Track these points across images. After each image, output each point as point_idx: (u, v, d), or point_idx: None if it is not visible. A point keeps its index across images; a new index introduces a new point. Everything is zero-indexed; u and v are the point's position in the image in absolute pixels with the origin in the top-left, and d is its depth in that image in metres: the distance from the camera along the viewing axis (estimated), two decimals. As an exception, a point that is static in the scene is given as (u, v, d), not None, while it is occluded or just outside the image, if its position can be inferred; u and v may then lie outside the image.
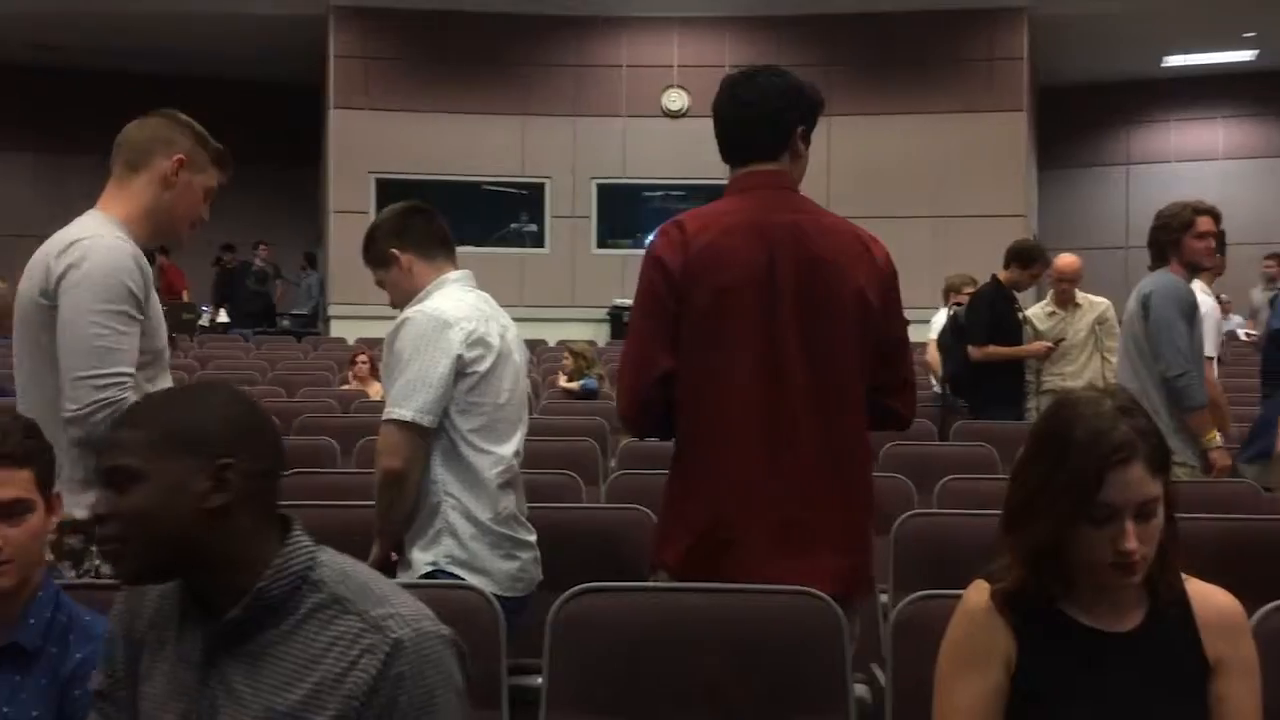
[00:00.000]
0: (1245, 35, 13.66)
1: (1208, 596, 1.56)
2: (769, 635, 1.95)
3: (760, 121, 2.18)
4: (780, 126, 2.18)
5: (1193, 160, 15.49)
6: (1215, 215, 3.86)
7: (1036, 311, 5.97)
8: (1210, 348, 4.17)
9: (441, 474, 2.44)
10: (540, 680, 1.98)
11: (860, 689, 2.31)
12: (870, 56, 12.27)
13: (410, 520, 2.49)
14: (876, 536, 2.85)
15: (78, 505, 1.98)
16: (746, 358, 2.10)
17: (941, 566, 2.42)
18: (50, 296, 2.11)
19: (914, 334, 2.58)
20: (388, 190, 11.63)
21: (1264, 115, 15.36)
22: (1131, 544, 1.44)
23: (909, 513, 2.91)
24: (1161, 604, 1.54)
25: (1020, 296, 5.96)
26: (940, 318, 6.78)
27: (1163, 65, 14.80)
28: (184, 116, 2.31)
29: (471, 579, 2.34)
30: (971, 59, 12.40)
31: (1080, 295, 5.91)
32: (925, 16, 12.19)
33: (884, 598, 2.82)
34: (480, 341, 2.46)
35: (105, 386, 2.05)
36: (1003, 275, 5.76)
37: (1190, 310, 3.73)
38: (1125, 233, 15.28)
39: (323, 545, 1.33)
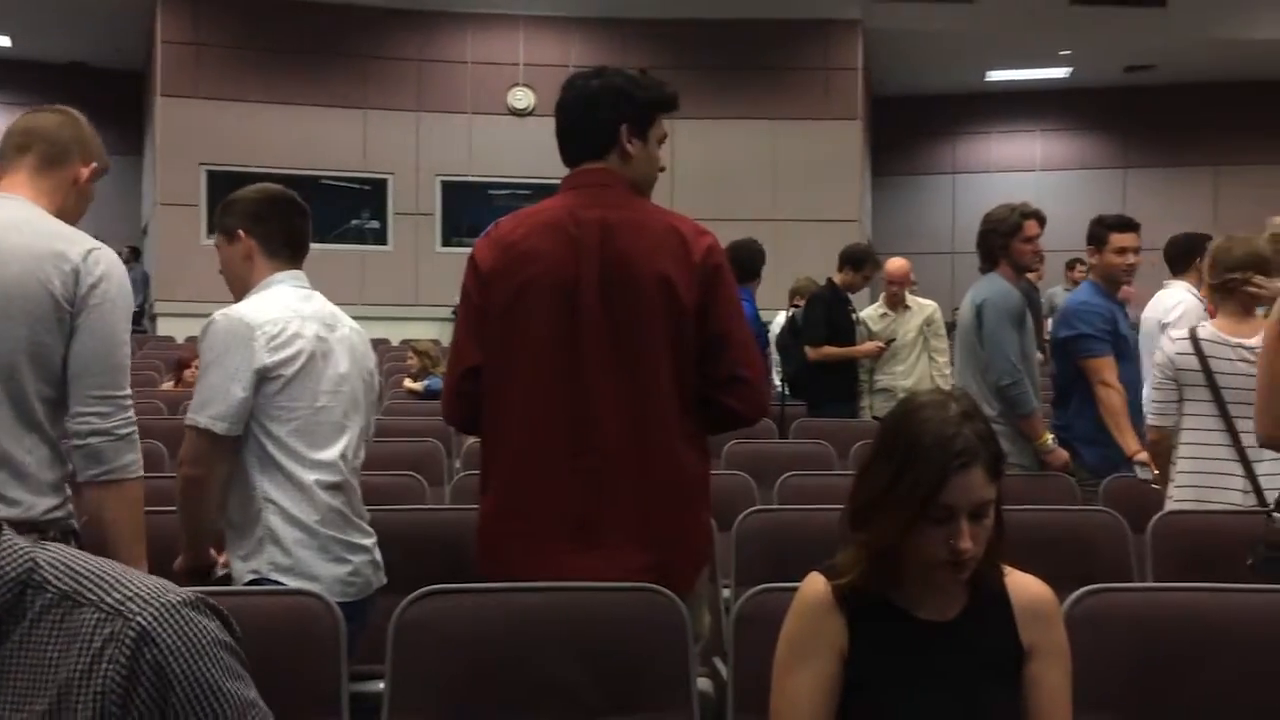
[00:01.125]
0: (1061, 54, 14.53)
1: (1023, 586, 1.65)
2: (614, 633, 1.96)
3: (580, 123, 2.23)
4: (599, 127, 2.21)
5: (1012, 171, 16.37)
6: (1041, 219, 4.05)
7: (870, 313, 6.20)
8: None
9: (260, 480, 2.37)
10: (383, 686, 1.94)
11: (703, 683, 2.35)
12: (714, 62, 12.49)
13: (231, 529, 2.42)
14: (719, 533, 2.92)
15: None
16: (544, 355, 2.11)
17: (782, 560, 2.48)
18: (76, 303, 2.06)
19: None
20: (220, 182, 11.19)
21: (1077, 130, 16.37)
22: (966, 544, 1.52)
23: (750, 509, 2.97)
24: (981, 594, 1.62)
25: (855, 298, 6.18)
26: (780, 319, 6.96)
27: (986, 80, 15.59)
28: (85, 118, 2.31)
29: (298, 586, 2.28)
30: (809, 68, 12.79)
31: (910, 297, 6.17)
32: (766, 25, 12.50)
33: (726, 592, 2.88)
34: (287, 344, 2.39)
35: (130, 406, 2.14)
36: (837, 278, 5.96)
37: (1019, 318, 3.89)
38: (951, 238, 16.03)
39: (43, 543, 1.25)
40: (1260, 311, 3.63)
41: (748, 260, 5.34)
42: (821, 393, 5.83)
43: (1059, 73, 15.35)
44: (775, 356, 6.91)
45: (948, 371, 5.78)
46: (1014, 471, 3.74)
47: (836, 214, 12.31)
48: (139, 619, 1.10)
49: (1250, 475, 3.09)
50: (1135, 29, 13.30)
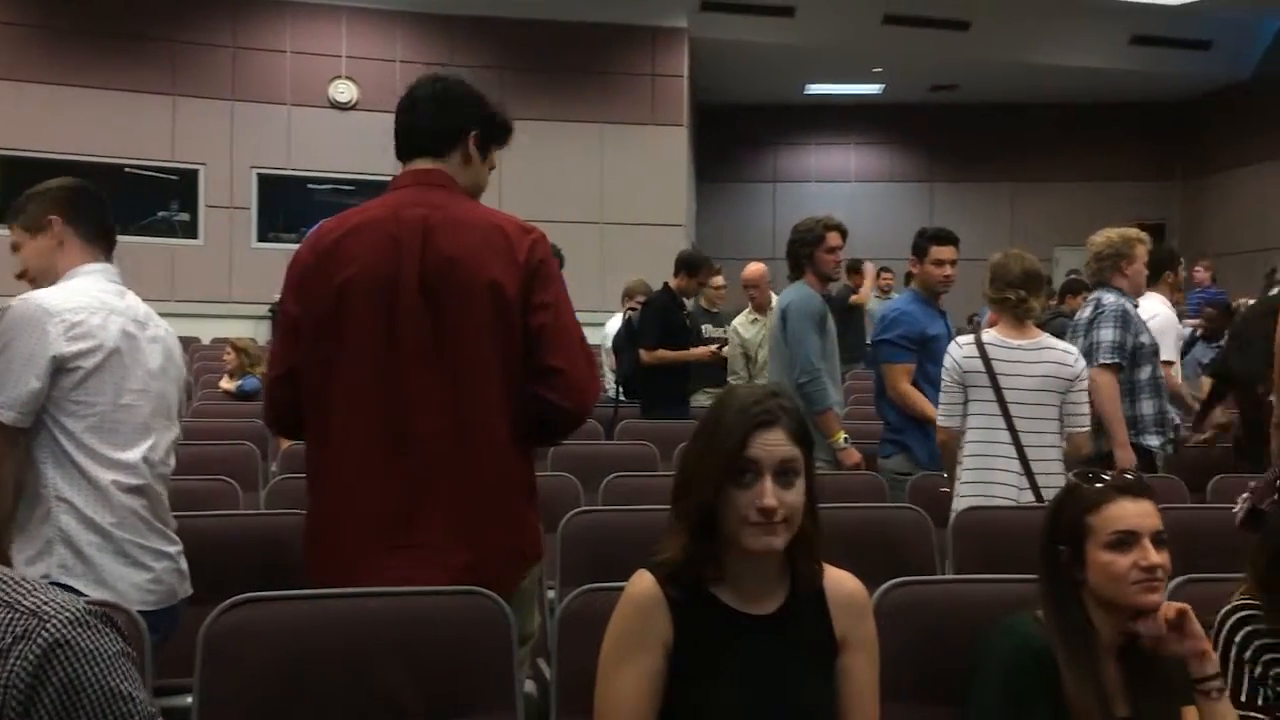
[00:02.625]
0: (874, 70, 15.19)
1: (839, 581, 1.73)
2: (436, 636, 1.93)
3: (429, 116, 2.21)
4: (449, 124, 2.20)
5: (829, 181, 17.02)
6: (843, 231, 4.31)
7: (741, 320, 6.29)
8: (1169, 352, 4.58)
9: (53, 477, 2.25)
10: (191, 700, 1.86)
11: (527, 684, 2.35)
12: (543, 63, 12.49)
13: (15, 528, 2.27)
14: (544, 534, 2.92)
15: None
16: (364, 357, 2.08)
17: (606, 561, 2.50)
18: None
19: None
20: (14, 169, 10.45)
21: (888, 144, 17.15)
22: (770, 500, 1.58)
23: (575, 510, 2.98)
24: (800, 589, 1.70)
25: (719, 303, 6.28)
26: (615, 321, 7.00)
27: (805, 92, 16.15)
28: None
29: (91, 592, 2.17)
30: (637, 74, 12.94)
31: (776, 300, 6.28)
32: (594, 29, 12.58)
33: (551, 594, 2.88)
34: (86, 335, 2.28)
35: None
36: (673, 282, 6.05)
37: (820, 321, 4.13)
38: (773, 244, 16.49)
39: None
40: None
41: None
42: (655, 395, 5.92)
43: (872, 88, 16.04)
44: (605, 359, 6.97)
45: None
46: (820, 469, 3.93)
47: (662, 218, 12.51)
48: (54, 622, 1.12)
49: (1027, 471, 3.33)
50: (940, 50, 14.05)
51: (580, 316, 2.24)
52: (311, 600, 1.98)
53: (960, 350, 3.47)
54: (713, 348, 6.05)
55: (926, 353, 4.06)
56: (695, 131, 15.00)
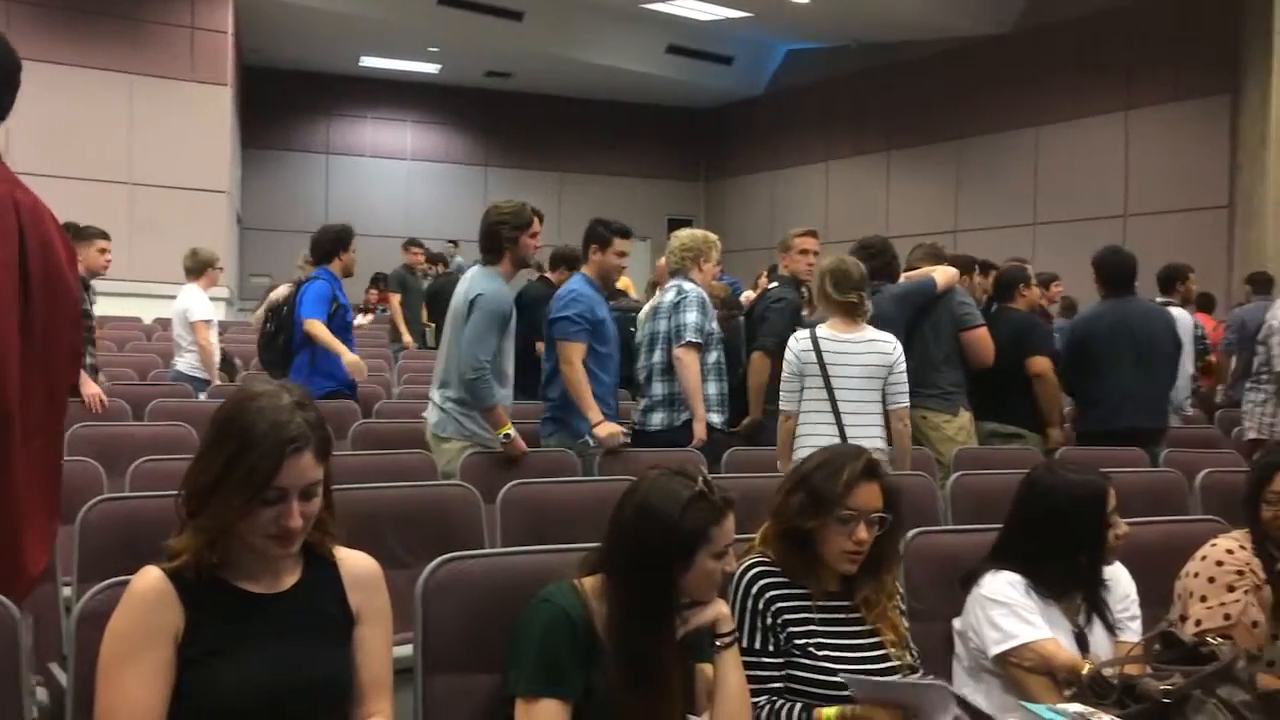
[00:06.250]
0: (430, 50, 15.21)
1: (351, 559, 1.81)
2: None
3: (14, 85, 2.01)
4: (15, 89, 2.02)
5: (386, 158, 16.84)
6: (542, 218, 4.26)
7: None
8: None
9: None
10: None
11: (40, 692, 2.12)
12: (61, 2, 11.15)
13: None
14: (61, 526, 2.65)
15: None
16: (12, 342, 1.91)
17: (135, 552, 2.31)
18: None
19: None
20: None
21: (444, 125, 17.28)
22: (297, 522, 1.64)
23: (97, 498, 2.73)
24: (314, 566, 1.76)
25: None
26: (191, 295, 6.30)
27: (360, 65, 15.83)
28: None
29: None
30: (173, 24, 11.95)
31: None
32: (124, -31, 11.45)
33: (67, 590, 2.63)
34: None
35: None
36: (553, 277, 6.02)
37: (504, 322, 4.00)
38: (324, 217, 16.02)
39: None
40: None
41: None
42: (521, 385, 5.64)
43: (429, 68, 16.07)
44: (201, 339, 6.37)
45: None
46: (480, 457, 3.95)
47: (203, 183, 11.69)
48: None
49: None
50: (495, 37, 14.38)
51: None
52: None
53: (798, 345, 3.93)
54: None
55: (596, 335, 4.19)
56: (242, 94, 14.18)
